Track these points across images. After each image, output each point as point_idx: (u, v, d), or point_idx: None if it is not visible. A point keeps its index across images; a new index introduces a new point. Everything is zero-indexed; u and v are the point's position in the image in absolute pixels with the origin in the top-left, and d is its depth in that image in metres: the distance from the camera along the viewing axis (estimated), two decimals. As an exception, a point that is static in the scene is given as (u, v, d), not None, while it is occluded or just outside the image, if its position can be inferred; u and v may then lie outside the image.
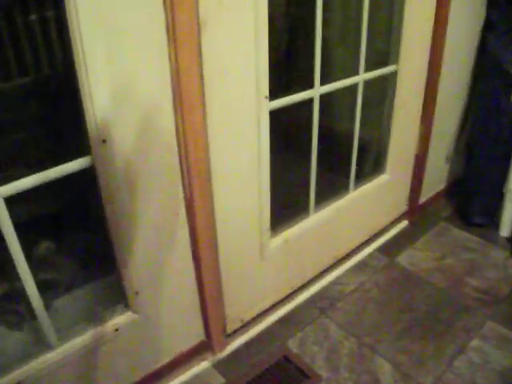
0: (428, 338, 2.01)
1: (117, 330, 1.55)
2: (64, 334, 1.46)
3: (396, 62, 2.11)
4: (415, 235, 2.66)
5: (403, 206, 2.68)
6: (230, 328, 1.93)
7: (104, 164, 1.27)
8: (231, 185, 1.62)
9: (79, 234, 2.03)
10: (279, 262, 2.00)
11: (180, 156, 1.43)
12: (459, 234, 2.69)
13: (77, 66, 1.14)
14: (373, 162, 2.39)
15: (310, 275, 2.23)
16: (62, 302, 1.77)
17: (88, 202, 1.66)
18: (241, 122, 1.54)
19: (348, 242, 2.40)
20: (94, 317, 1.56)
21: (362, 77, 1.98)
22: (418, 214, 2.78)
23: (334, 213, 2.15)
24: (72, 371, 1.48)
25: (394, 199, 2.58)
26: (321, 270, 2.28)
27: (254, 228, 1.80)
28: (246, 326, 2.01)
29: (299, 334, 2.03)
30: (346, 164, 2.19)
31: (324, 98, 1.83)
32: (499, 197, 2.65)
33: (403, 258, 2.48)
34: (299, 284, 2.18)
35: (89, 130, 1.22)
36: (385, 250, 2.55)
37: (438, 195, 2.94)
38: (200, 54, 1.31)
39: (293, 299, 2.17)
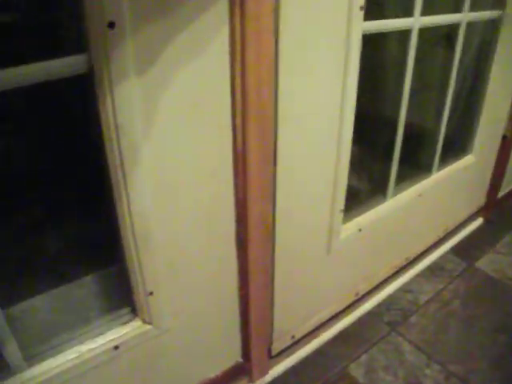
0: (534, 370, 1.49)
1: (116, 347, 1.05)
2: (33, 353, 0.96)
3: (502, 5, 1.60)
4: (494, 236, 2.14)
5: (482, 199, 2.16)
6: (276, 347, 1.40)
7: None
8: (301, 139, 1.12)
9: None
10: (348, 258, 1.49)
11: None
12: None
13: None
14: (460, 139, 1.87)
15: (379, 278, 1.70)
16: (32, 303, 1.22)
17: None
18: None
19: (421, 240, 1.88)
20: (82, 327, 1.06)
21: (465, 15, 1.48)
22: (494, 211, 2.26)
23: (413, 198, 1.63)
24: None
25: (474, 188, 2.06)
26: (391, 272, 1.75)
27: (323, 208, 1.30)
28: (296, 344, 1.48)
29: (364, 357, 1.51)
30: (431, 141, 1.69)
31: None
32: None
33: (484, 263, 1.95)
34: (366, 289, 1.65)
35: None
36: (460, 251, 2.02)
37: (517, 189, 2.41)
38: None
39: (356, 309, 1.64)
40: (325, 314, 1.52)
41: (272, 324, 1.34)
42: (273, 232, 1.18)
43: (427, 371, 1.48)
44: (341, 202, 1.31)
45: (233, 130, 1.00)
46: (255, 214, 1.10)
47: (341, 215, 1.33)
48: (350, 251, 1.47)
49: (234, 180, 1.07)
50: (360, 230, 1.44)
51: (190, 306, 1.15)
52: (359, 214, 1.46)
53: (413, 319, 1.66)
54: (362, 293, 1.64)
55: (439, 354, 1.53)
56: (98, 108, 0.82)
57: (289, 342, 1.44)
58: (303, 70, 1.05)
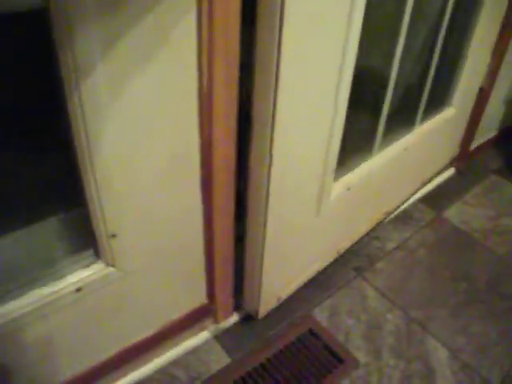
0: (490, 318, 1.54)
1: (79, 290, 1.01)
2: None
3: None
4: (464, 186, 2.15)
5: (456, 149, 2.15)
6: (262, 310, 1.41)
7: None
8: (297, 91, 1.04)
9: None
10: (335, 218, 1.46)
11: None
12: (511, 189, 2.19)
13: None
14: (442, 92, 1.82)
15: (359, 234, 1.70)
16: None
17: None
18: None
19: (400, 193, 1.86)
20: (43, 269, 1.01)
21: None
22: (465, 163, 2.26)
23: (399, 152, 1.59)
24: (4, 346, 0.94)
25: (452, 140, 2.04)
26: (370, 227, 1.74)
27: (316, 168, 1.24)
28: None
29: (329, 301, 1.53)
30: (413, 95, 1.64)
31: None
32: None
33: (452, 214, 1.97)
34: (347, 246, 1.64)
35: None
36: (429, 201, 2.03)
37: (488, 143, 2.41)
38: None
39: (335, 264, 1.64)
40: (308, 274, 1.51)
41: (260, 288, 1.32)
42: (266, 199, 1.13)
43: (389, 316, 1.51)
44: (333, 162, 1.25)
45: (198, 71, 0.92)
46: (220, 157, 1.05)
47: (332, 175, 1.27)
48: (338, 211, 1.43)
49: (199, 122, 1.00)
50: (349, 188, 1.39)
51: (154, 249, 1.11)
52: (347, 172, 1.41)
53: (379, 265, 1.68)
54: (342, 250, 1.63)
55: (401, 300, 1.56)
56: (56, 47, 0.73)
57: (275, 304, 1.44)
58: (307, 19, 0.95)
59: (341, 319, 1.48)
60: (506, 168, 2.33)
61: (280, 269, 1.36)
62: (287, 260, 1.37)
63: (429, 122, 1.72)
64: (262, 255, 1.23)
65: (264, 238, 1.20)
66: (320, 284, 1.58)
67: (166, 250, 1.13)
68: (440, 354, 1.42)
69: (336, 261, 1.64)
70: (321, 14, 0.95)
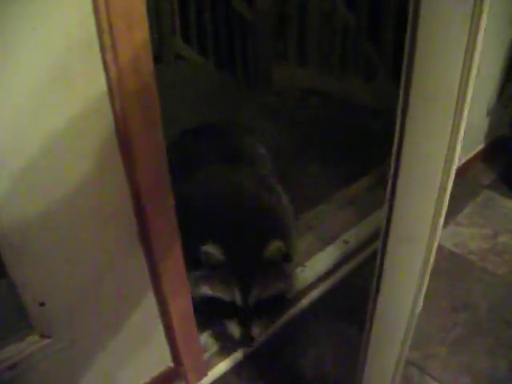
0: (498, 350, 1.38)
1: (14, 366, 0.88)
2: None
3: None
4: (454, 207, 2.02)
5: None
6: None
7: None
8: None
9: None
10: None
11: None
12: (509, 205, 2.05)
13: None
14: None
15: None
16: None
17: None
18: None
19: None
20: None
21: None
22: (454, 181, 2.13)
23: None
24: None
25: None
26: None
27: None
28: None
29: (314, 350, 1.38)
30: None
31: None
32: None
33: (445, 237, 1.83)
34: None
35: None
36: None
37: (475, 158, 2.29)
38: None
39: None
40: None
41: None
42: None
43: (383, 360, 1.35)
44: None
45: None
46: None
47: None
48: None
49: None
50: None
51: (96, 316, 0.98)
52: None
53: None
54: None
55: (396, 339, 1.41)
56: None
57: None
58: None
59: (329, 368, 1.32)
60: (498, 181, 2.21)
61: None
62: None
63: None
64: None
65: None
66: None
67: (112, 315, 1.00)
68: (443, 399, 1.26)
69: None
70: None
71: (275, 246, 1.26)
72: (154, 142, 0.86)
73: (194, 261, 1.22)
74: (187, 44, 3.39)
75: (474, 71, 0.59)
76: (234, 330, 1.28)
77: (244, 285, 1.24)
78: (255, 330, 1.27)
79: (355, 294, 1.56)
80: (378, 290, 0.81)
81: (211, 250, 1.23)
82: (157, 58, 3.20)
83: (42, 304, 0.88)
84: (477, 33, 0.55)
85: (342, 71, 2.78)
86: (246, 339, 1.28)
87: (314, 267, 1.56)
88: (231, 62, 3.20)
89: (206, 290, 1.27)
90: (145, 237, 0.95)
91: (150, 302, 1.06)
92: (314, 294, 1.52)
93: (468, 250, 1.77)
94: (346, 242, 1.66)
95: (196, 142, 1.66)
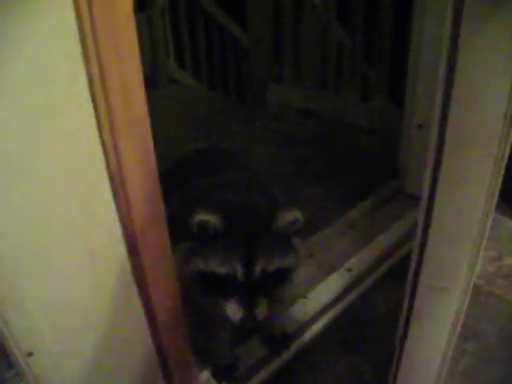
0: (510, 380, 1.33)
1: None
2: None
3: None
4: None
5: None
6: None
7: None
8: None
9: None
10: None
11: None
12: (510, 223, 2.02)
13: None
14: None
15: None
16: None
17: None
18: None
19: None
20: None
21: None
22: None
23: None
24: None
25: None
26: None
27: None
28: None
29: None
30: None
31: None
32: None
33: (449, 260, 1.79)
34: None
35: None
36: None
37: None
38: None
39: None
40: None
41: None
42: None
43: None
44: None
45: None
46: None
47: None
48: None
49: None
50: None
51: (91, 363, 0.93)
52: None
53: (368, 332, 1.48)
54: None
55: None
56: None
57: None
58: None
59: None
60: (499, 201, 2.17)
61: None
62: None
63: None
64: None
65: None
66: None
67: (107, 365, 0.95)
68: None
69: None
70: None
71: (290, 214, 1.09)
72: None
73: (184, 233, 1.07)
74: (181, 68, 3.38)
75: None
76: (235, 310, 1.07)
77: (247, 255, 1.06)
78: (260, 309, 1.07)
79: (361, 324, 1.52)
80: (403, 343, 0.76)
81: (207, 217, 1.05)
82: (151, 82, 3.19)
83: (29, 354, 0.83)
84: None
85: (337, 91, 2.76)
86: (250, 320, 1.06)
87: (317, 298, 1.51)
88: (225, 86, 3.19)
89: (198, 264, 1.08)
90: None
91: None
92: (319, 325, 1.47)
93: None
94: (349, 269, 1.62)
95: (186, 171, 1.56)
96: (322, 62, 2.72)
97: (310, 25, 2.69)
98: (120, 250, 0.87)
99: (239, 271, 1.06)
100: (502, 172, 0.61)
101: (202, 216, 1.05)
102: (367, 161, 2.39)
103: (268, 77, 2.85)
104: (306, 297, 1.51)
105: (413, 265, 0.73)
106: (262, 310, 1.07)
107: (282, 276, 1.13)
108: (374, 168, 2.31)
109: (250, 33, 2.85)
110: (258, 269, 1.06)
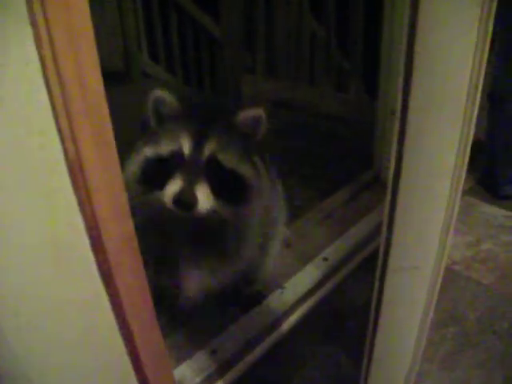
0: (491, 363, 1.32)
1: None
2: None
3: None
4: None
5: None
6: None
7: None
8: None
9: None
10: None
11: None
12: (490, 211, 2.02)
13: None
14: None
15: None
16: None
17: None
18: None
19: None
20: None
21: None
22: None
23: None
24: None
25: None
26: None
27: None
28: None
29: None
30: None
31: None
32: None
33: (427, 247, 1.77)
34: None
35: None
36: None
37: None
38: None
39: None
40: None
41: None
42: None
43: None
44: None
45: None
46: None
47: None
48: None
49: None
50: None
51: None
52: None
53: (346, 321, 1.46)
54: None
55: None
56: None
57: None
58: None
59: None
60: (477, 187, 2.18)
61: None
62: None
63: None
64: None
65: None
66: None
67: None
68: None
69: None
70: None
71: (252, 110, 1.08)
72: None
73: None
74: (155, 62, 3.33)
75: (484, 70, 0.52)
76: (173, 186, 0.98)
77: (197, 134, 1.01)
78: (201, 192, 0.98)
79: (338, 313, 1.49)
80: (375, 329, 0.73)
81: (164, 94, 1.01)
82: (124, 76, 3.13)
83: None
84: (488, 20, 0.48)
85: (312, 82, 2.74)
86: (185, 199, 0.97)
87: (294, 288, 1.47)
88: (200, 79, 3.15)
89: (145, 153, 1.02)
90: None
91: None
92: (296, 315, 1.43)
93: (451, 259, 1.72)
94: (325, 259, 1.59)
95: None
96: (296, 52, 2.70)
97: (283, 16, 2.66)
98: (82, 241, 0.83)
99: (186, 146, 1.00)
100: (470, 141, 0.58)
101: (159, 93, 1.02)
102: (343, 151, 2.37)
103: (242, 69, 2.81)
104: (282, 287, 1.48)
105: (382, 247, 0.70)
106: (203, 193, 0.98)
107: (237, 185, 1.07)
108: (350, 158, 2.30)
109: (223, 25, 2.82)
110: (206, 149, 1.01)
